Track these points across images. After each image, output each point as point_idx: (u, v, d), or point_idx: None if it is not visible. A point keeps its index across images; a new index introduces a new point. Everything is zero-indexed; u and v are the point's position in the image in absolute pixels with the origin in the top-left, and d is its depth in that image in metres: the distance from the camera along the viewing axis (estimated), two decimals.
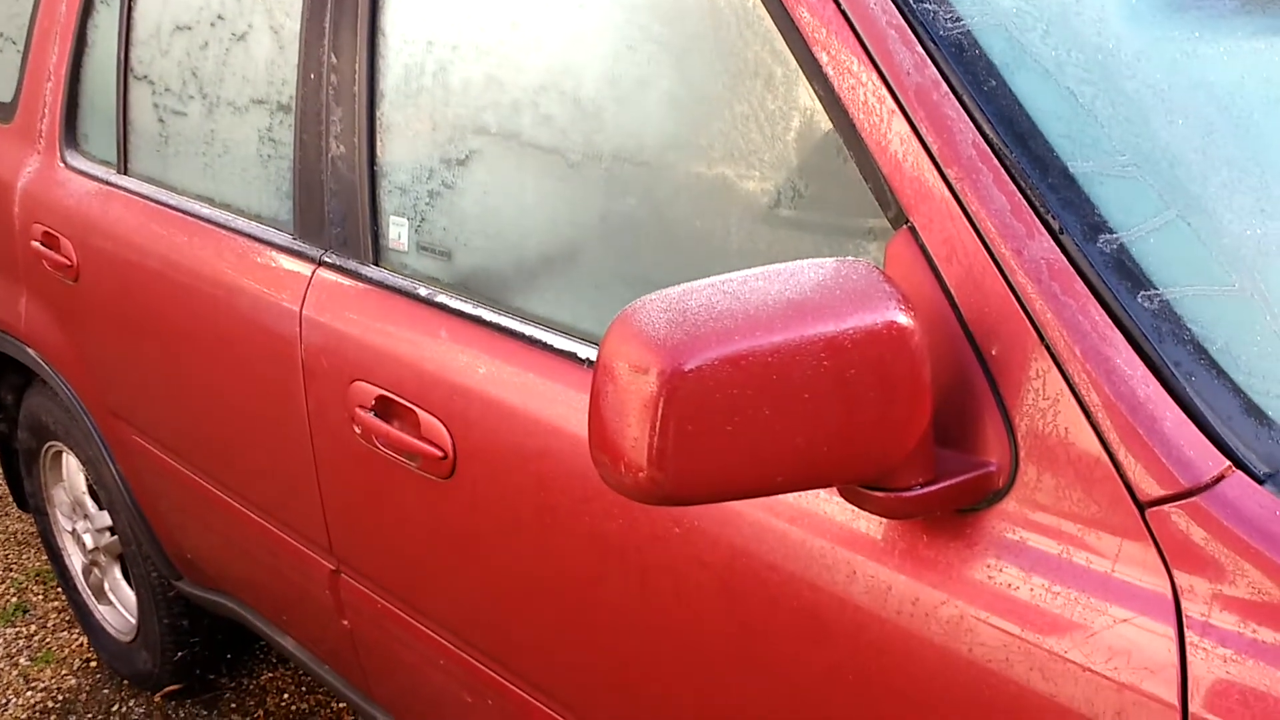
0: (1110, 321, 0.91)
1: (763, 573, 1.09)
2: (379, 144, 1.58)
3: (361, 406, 1.54)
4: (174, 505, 2.23)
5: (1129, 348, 0.90)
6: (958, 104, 0.99)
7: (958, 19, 1.03)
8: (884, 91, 1.02)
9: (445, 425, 1.43)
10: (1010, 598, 0.92)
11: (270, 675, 2.87)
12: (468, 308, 1.45)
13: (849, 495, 0.97)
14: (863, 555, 1.01)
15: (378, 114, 1.58)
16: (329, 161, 1.63)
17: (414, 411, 1.47)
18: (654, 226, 1.24)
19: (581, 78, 1.32)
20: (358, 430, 1.56)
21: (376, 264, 1.60)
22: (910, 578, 0.98)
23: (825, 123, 1.08)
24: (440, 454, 1.44)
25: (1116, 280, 0.93)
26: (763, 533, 1.09)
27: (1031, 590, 0.92)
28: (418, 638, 1.63)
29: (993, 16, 1.05)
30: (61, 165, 2.31)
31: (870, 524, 1.02)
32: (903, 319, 0.88)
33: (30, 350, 2.51)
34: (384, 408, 1.52)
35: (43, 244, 2.31)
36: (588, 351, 1.30)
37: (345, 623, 1.81)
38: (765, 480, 0.88)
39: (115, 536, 2.70)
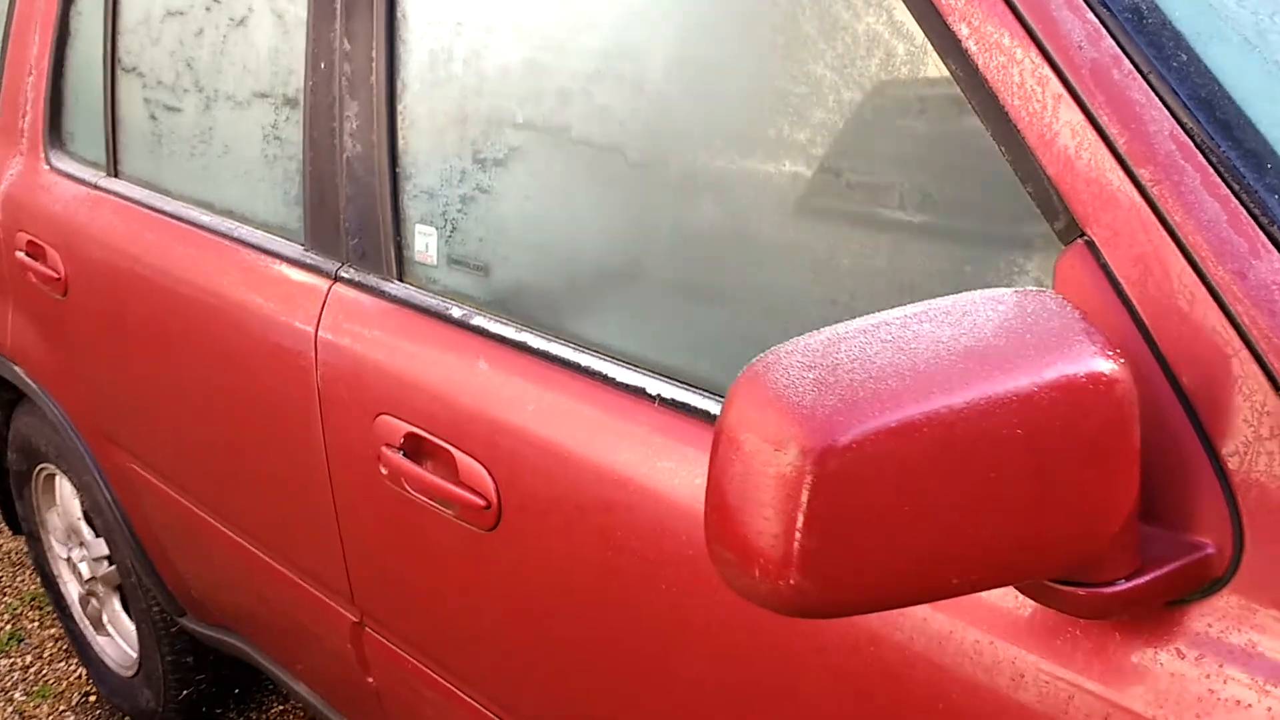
0: None
1: (897, 667, 0.89)
2: (401, 142, 1.38)
3: (389, 445, 1.34)
4: (177, 539, 2.03)
5: None
6: (1146, 85, 0.79)
7: None
8: (1047, 71, 0.81)
9: (488, 470, 1.23)
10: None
11: (281, 709, 2.67)
12: (510, 332, 1.24)
13: (1031, 590, 0.76)
14: (1035, 654, 0.81)
15: (399, 108, 1.37)
16: (344, 163, 1.43)
17: (449, 452, 1.27)
18: (737, 238, 1.04)
19: (644, 60, 1.11)
20: (384, 471, 1.36)
21: (400, 279, 1.40)
22: (1101, 685, 0.78)
23: (964, 110, 0.87)
24: (483, 503, 1.24)
25: None
26: (897, 616, 0.89)
27: (1271, 710, 0.72)
28: (456, 705, 1.43)
29: None
30: (46, 168, 2.11)
31: (1044, 614, 0.82)
32: (1109, 367, 0.68)
33: (17, 368, 2.31)
34: (414, 446, 1.32)
35: (28, 254, 2.11)
36: (658, 387, 1.10)
37: (370, 680, 1.61)
38: (938, 583, 0.68)
39: (113, 566, 2.50)
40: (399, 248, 1.39)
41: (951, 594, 0.69)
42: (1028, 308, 0.70)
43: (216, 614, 2.09)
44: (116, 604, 2.60)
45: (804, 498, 0.65)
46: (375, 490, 1.41)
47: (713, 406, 1.05)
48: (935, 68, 0.88)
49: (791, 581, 0.67)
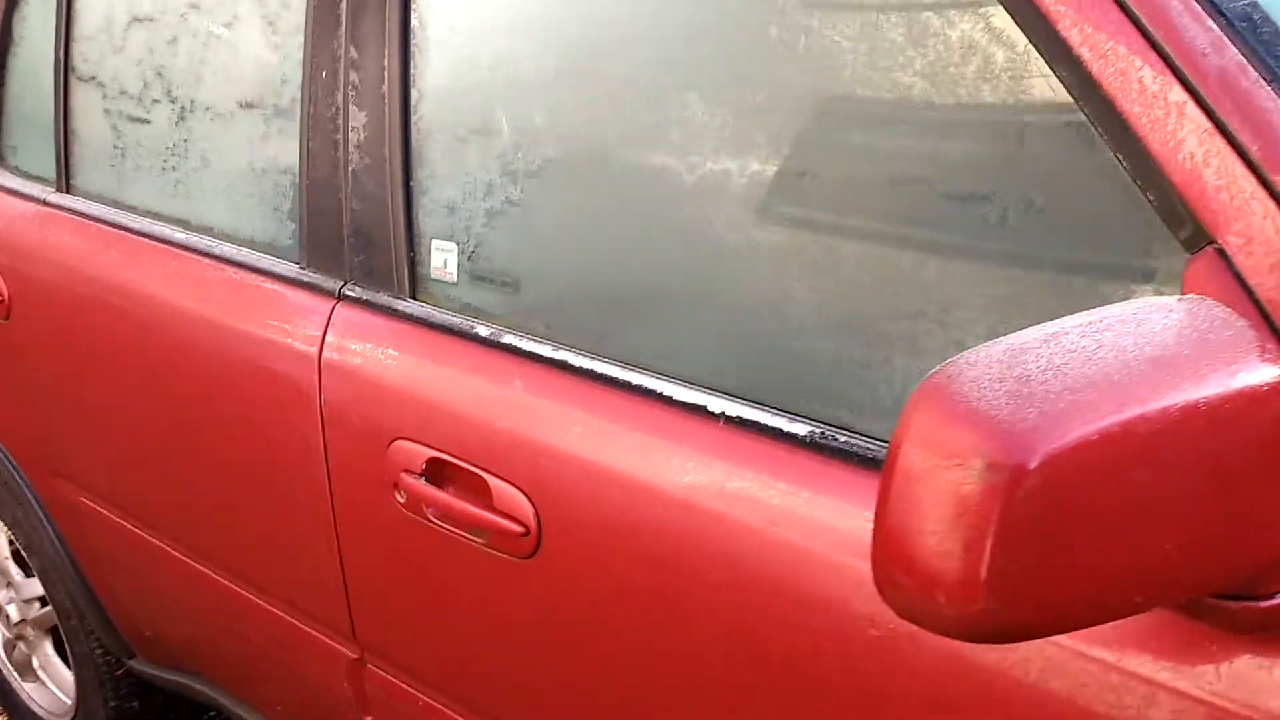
0: None
1: (1010, 689, 0.87)
2: (416, 155, 1.31)
3: (409, 471, 1.27)
4: (132, 578, 1.91)
5: None
6: (1274, 92, 0.78)
7: None
8: (1169, 78, 0.80)
9: (527, 495, 1.17)
10: None
11: None
12: (547, 350, 1.19)
13: (1184, 605, 0.75)
14: (1168, 674, 0.79)
15: (414, 119, 1.31)
16: (348, 177, 1.36)
17: (481, 478, 1.21)
18: (809, 249, 1.01)
19: (702, 63, 1.07)
20: (401, 499, 1.29)
21: (414, 297, 1.33)
22: (1250, 709, 0.76)
23: (1073, 117, 0.86)
24: (520, 529, 1.18)
25: None
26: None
27: None
28: None
29: None
30: None
31: (1178, 630, 0.80)
32: None
33: None
34: (437, 472, 1.26)
35: None
36: (721, 404, 1.06)
37: (369, 719, 1.53)
38: (1123, 601, 0.66)
39: (47, 608, 2.34)
40: (412, 264, 1.33)
41: (1133, 612, 0.67)
42: (1198, 316, 0.68)
43: (175, 655, 1.97)
44: (49, 648, 2.44)
45: (1000, 516, 0.62)
46: (387, 519, 1.33)
47: (785, 424, 1.01)
48: (1039, 73, 0.87)
49: (980, 606, 0.63)
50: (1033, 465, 0.61)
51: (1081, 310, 0.83)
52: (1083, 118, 0.84)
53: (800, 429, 1.00)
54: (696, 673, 1.08)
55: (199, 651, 1.89)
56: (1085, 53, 0.83)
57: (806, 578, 0.98)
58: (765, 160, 1.03)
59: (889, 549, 0.66)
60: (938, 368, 0.65)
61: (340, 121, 1.36)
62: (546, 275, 1.21)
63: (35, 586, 2.34)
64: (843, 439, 0.98)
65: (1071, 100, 0.85)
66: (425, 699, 1.42)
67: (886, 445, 0.95)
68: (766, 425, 1.02)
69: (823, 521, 0.97)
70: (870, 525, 0.92)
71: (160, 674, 2.03)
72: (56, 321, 1.79)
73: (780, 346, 1.03)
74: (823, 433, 0.99)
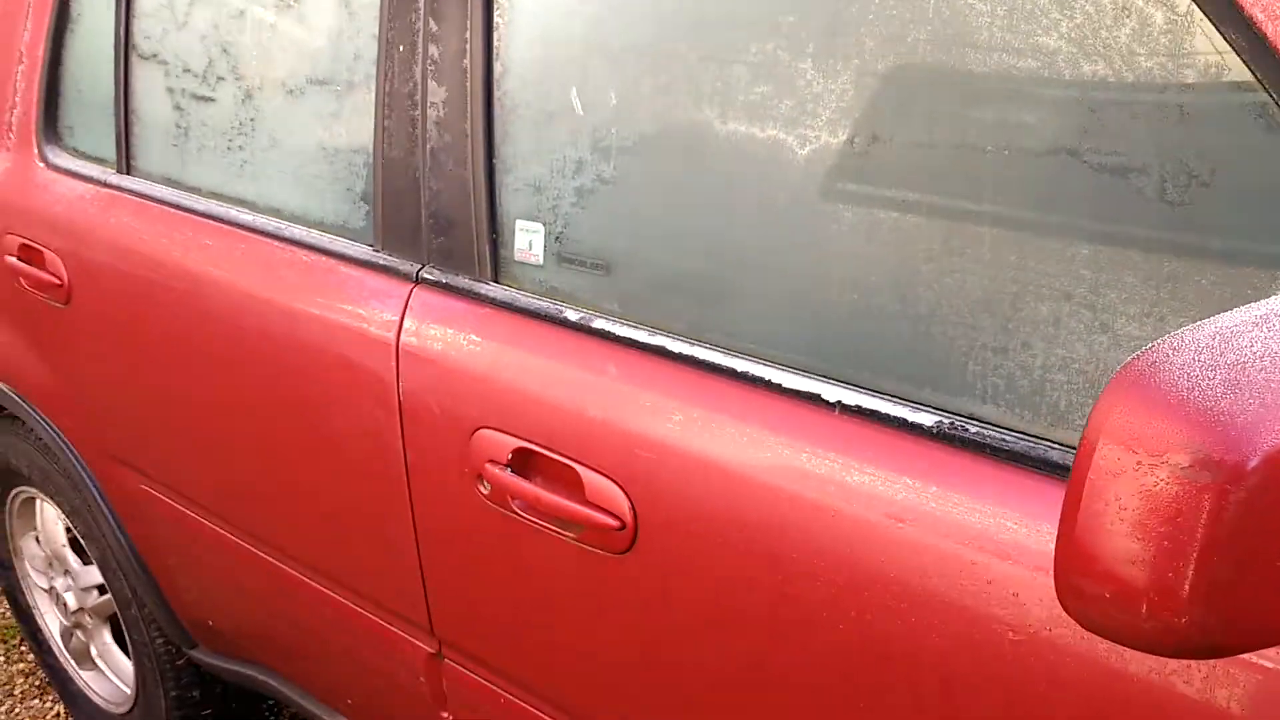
0: None
1: (1168, 700, 0.80)
2: (499, 132, 1.26)
3: (493, 462, 1.22)
4: (194, 565, 1.88)
5: None
6: None
7: None
8: None
9: (623, 488, 1.12)
10: None
11: None
12: (643, 336, 1.14)
13: None
14: None
15: (497, 94, 1.25)
16: (427, 155, 1.30)
17: (572, 469, 1.16)
18: (943, 227, 0.95)
19: (816, 26, 1.01)
20: (485, 490, 1.24)
21: (496, 280, 1.28)
22: None
23: (1242, 83, 0.79)
24: (615, 523, 1.12)
25: None
26: None
27: None
28: None
29: None
30: (41, 165, 1.94)
31: None
32: None
33: (1, 386, 2.12)
34: (524, 463, 1.21)
35: (19, 259, 1.94)
36: (836, 393, 1.00)
37: (446, 714, 1.49)
38: None
39: (106, 596, 2.32)
40: (495, 246, 1.28)
41: None
42: None
43: (239, 645, 1.93)
44: (107, 636, 2.42)
45: (1213, 520, 0.55)
46: (469, 511, 1.28)
47: (909, 414, 0.95)
48: (1205, 36, 0.80)
49: (1185, 619, 0.57)
50: (1253, 464, 0.55)
51: (1253, 292, 0.77)
52: (1254, 83, 0.78)
53: (926, 419, 0.94)
54: (811, 681, 1.02)
55: (264, 642, 1.85)
56: (1258, 13, 0.77)
57: (936, 579, 0.92)
58: (887, 131, 0.96)
59: (1077, 555, 0.60)
60: (1137, 354, 0.59)
61: (418, 98, 1.30)
62: (641, 256, 1.15)
63: (93, 574, 2.31)
64: (974, 430, 0.92)
65: (1241, 64, 0.78)
66: (507, 696, 1.37)
67: (1024, 437, 0.89)
68: (888, 415, 0.96)
69: (954, 519, 0.91)
70: (1008, 523, 0.87)
71: (222, 664, 2.00)
72: (118, 306, 1.75)
73: (903, 330, 0.97)
74: (952, 423, 0.93)
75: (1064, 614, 0.75)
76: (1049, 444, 0.89)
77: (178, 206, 1.66)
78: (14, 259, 1.95)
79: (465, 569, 1.33)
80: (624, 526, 1.12)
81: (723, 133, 1.07)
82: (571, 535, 1.17)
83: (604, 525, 1.13)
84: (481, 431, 1.24)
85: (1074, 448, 0.88)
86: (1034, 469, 0.89)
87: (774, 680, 1.05)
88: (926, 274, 0.95)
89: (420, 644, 1.46)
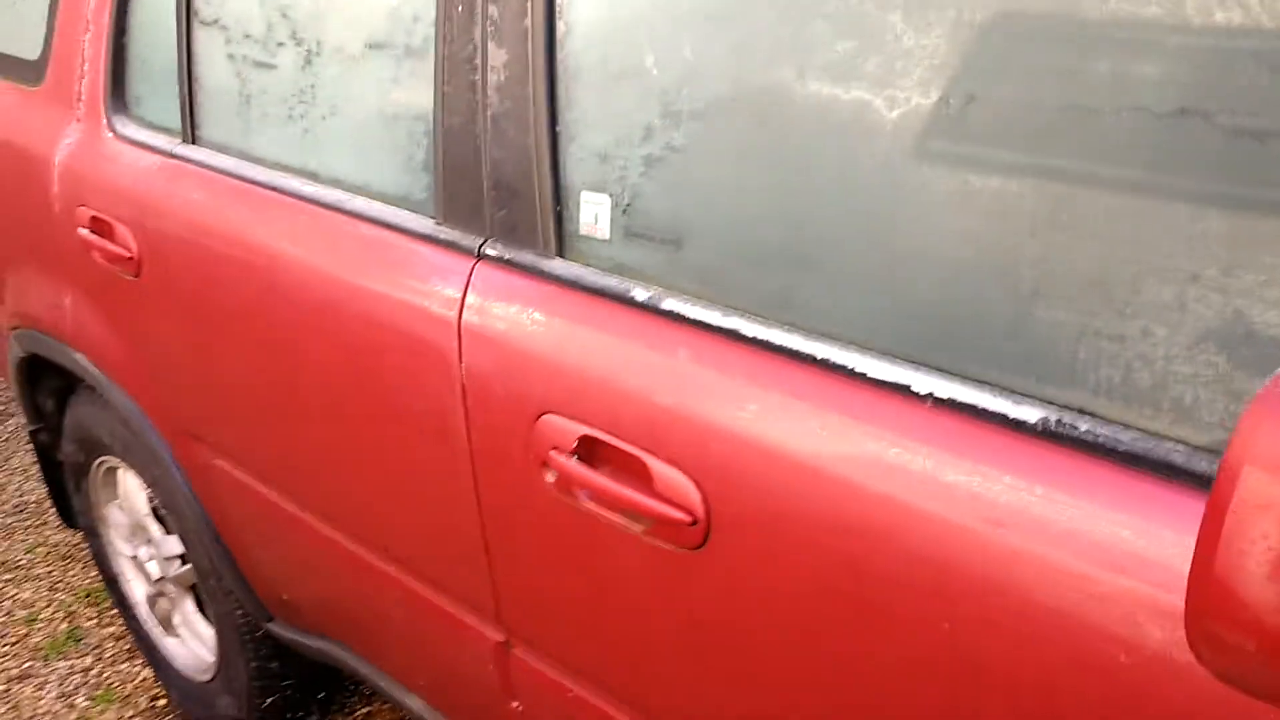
0: None
1: None
2: (563, 97, 1.18)
3: (558, 449, 1.15)
4: (269, 543, 1.85)
5: None
6: None
7: None
8: None
9: (694, 480, 1.04)
10: None
11: (366, 710, 2.51)
12: (715, 318, 1.05)
13: None
14: None
15: (560, 56, 1.17)
16: (488, 122, 1.23)
17: (640, 459, 1.09)
18: (1050, 200, 0.84)
19: None
20: (550, 478, 1.18)
21: (561, 255, 1.21)
22: None
23: None
24: (686, 518, 1.05)
25: None
26: None
27: None
28: None
29: None
30: (110, 135, 1.91)
31: None
32: None
33: (79, 356, 2.12)
34: (590, 451, 1.14)
35: (92, 231, 1.92)
36: (928, 383, 0.90)
37: (516, 705, 1.44)
38: None
39: (187, 566, 2.32)
40: (559, 219, 1.20)
41: None
42: None
43: (313, 621, 1.91)
44: (189, 605, 2.43)
45: None
46: (536, 499, 1.22)
47: (1010, 408, 0.86)
48: None
49: None
50: None
51: None
52: None
53: (1030, 414, 0.85)
54: (895, 691, 0.94)
55: (337, 620, 1.82)
56: None
57: (1039, 590, 0.82)
58: (986, 90, 0.86)
59: (1216, 598, 0.51)
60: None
61: (478, 61, 1.23)
62: (715, 231, 1.07)
63: (175, 544, 2.32)
64: (1084, 427, 0.82)
65: None
66: (575, 689, 1.31)
67: (1142, 435, 0.79)
68: (986, 409, 0.87)
69: (1062, 525, 0.81)
70: (1124, 531, 0.78)
71: (298, 638, 1.98)
72: (185, 279, 1.72)
73: (1003, 316, 0.87)
74: (1059, 419, 0.83)
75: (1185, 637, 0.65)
76: (1171, 443, 0.79)
77: (241, 178, 1.62)
78: (86, 231, 1.93)
79: (532, 558, 1.27)
80: (696, 522, 1.05)
81: (803, 94, 0.98)
82: (640, 529, 1.10)
83: (674, 520, 1.06)
84: (546, 417, 1.17)
85: (1198, 448, 0.78)
86: (1153, 471, 0.79)
87: (851, 694, 0.97)
88: (1031, 250, 0.85)
89: (488, 633, 1.41)
